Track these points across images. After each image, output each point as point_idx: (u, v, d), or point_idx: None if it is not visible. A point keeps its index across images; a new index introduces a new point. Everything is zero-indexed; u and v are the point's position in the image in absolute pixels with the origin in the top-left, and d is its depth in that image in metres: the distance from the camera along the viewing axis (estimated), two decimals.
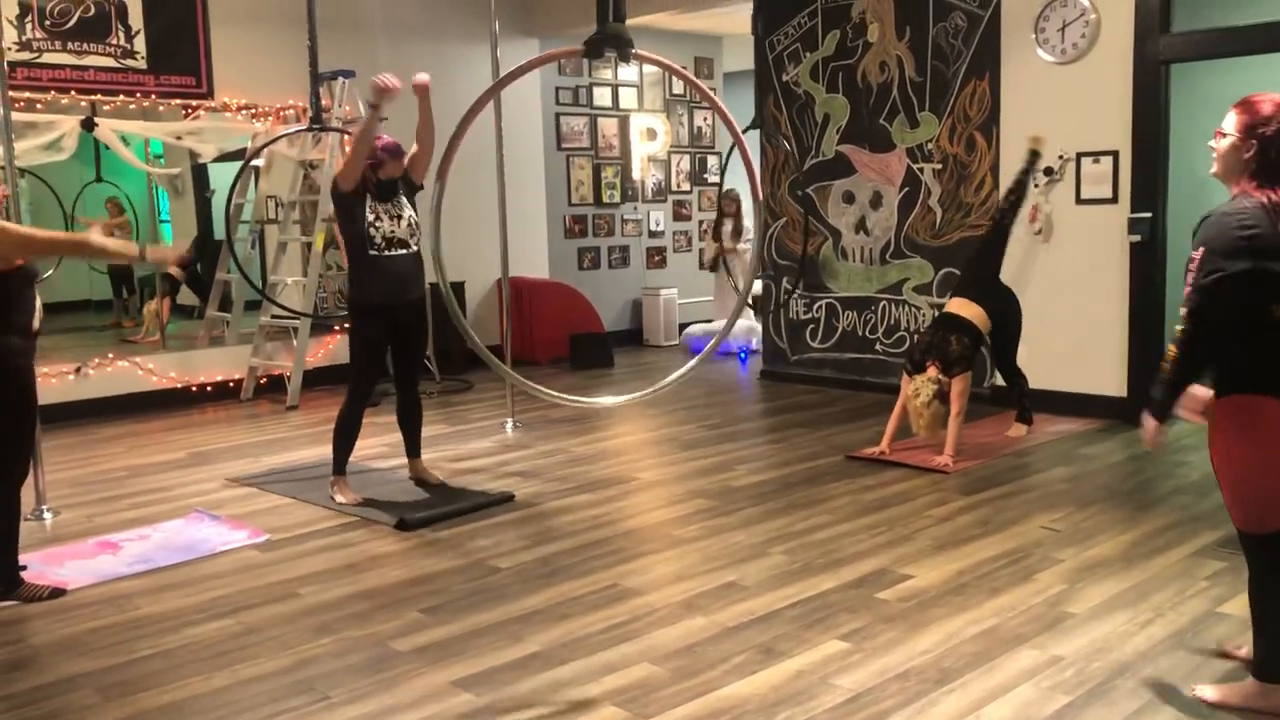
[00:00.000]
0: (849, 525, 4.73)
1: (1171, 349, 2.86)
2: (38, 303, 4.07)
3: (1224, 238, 2.77)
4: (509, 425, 6.95)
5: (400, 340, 5.30)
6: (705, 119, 11.67)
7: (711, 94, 3.27)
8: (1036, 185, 6.86)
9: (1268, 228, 2.74)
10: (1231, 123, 2.89)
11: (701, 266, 10.98)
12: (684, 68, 11.37)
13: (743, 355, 9.70)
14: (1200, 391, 2.91)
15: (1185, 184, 7.49)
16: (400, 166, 5.17)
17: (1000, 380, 6.62)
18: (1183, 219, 6.96)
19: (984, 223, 7.16)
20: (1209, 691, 3.05)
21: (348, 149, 5.22)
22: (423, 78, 5.13)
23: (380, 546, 4.60)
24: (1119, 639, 3.45)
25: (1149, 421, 2.96)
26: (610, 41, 2.99)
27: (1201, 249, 2.80)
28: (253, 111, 8.11)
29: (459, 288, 9.31)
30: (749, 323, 9.68)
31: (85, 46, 7.42)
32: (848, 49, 7.84)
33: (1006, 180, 7.02)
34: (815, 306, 8.28)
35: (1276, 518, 2.86)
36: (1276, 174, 2.81)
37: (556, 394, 3.32)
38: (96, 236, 4.03)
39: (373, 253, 5.08)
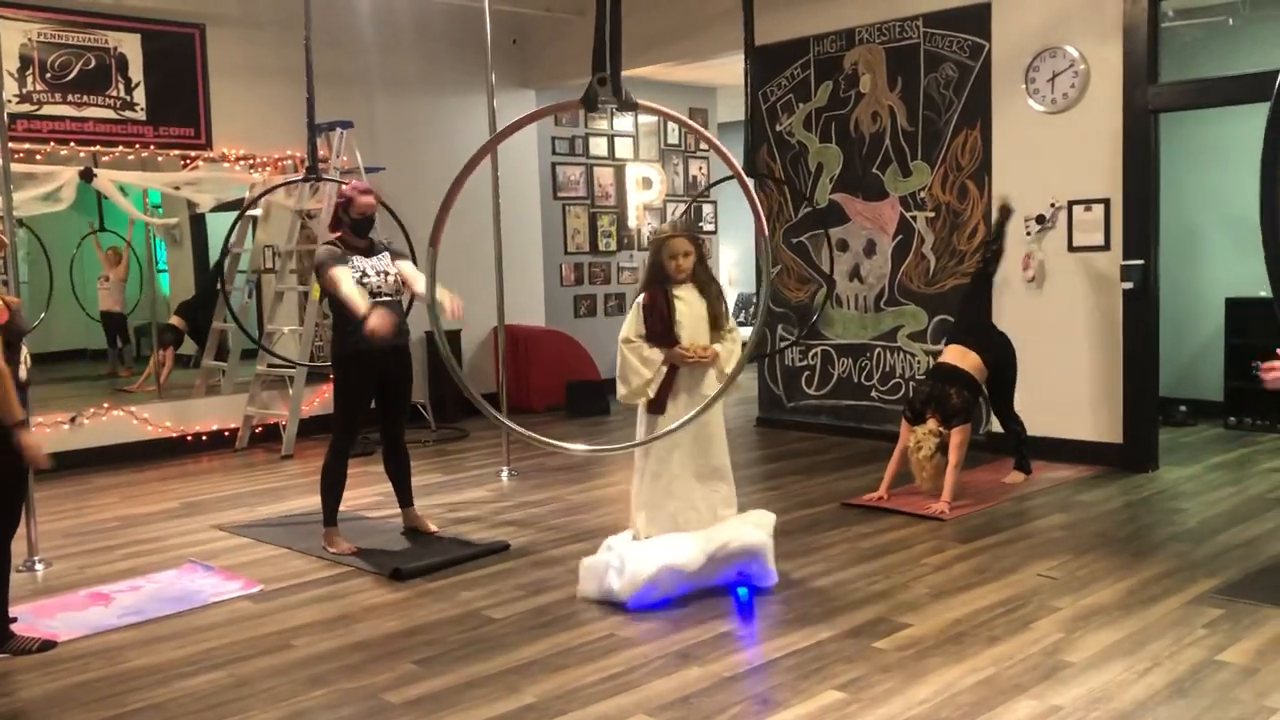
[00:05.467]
0: (845, 573, 4.71)
1: None
2: (25, 353, 4.06)
3: None
4: (504, 473, 6.93)
5: (384, 390, 5.29)
6: (700, 168, 11.77)
7: (710, 135, 3.27)
8: (1029, 234, 6.91)
9: None
10: None
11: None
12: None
13: (749, 592, 4.46)
14: None
15: (1176, 231, 7.56)
16: (372, 203, 5.19)
17: (997, 427, 6.63)
18: (1174, 265, 7.04)
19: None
20: None
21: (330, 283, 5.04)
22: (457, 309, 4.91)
23: (374, 597, 4.57)
24: (1117, 688, 3.42)
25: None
26: (606, 93, 3.01)
27: None
28: (251, 162, 8.18)
29: (455, 335, 9.33)
30: (755, 532, 4.48)
31: (85, 98, 7.49)
32: (840, 99, 7.93)
33: None
34: (811, 353, 8.30)
35: None
36: None
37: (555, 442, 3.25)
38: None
39: None
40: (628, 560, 4.30)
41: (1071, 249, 6.76)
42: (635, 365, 4.43)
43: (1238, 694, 3.34)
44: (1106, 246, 6.60)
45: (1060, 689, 3.43)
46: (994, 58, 7.05)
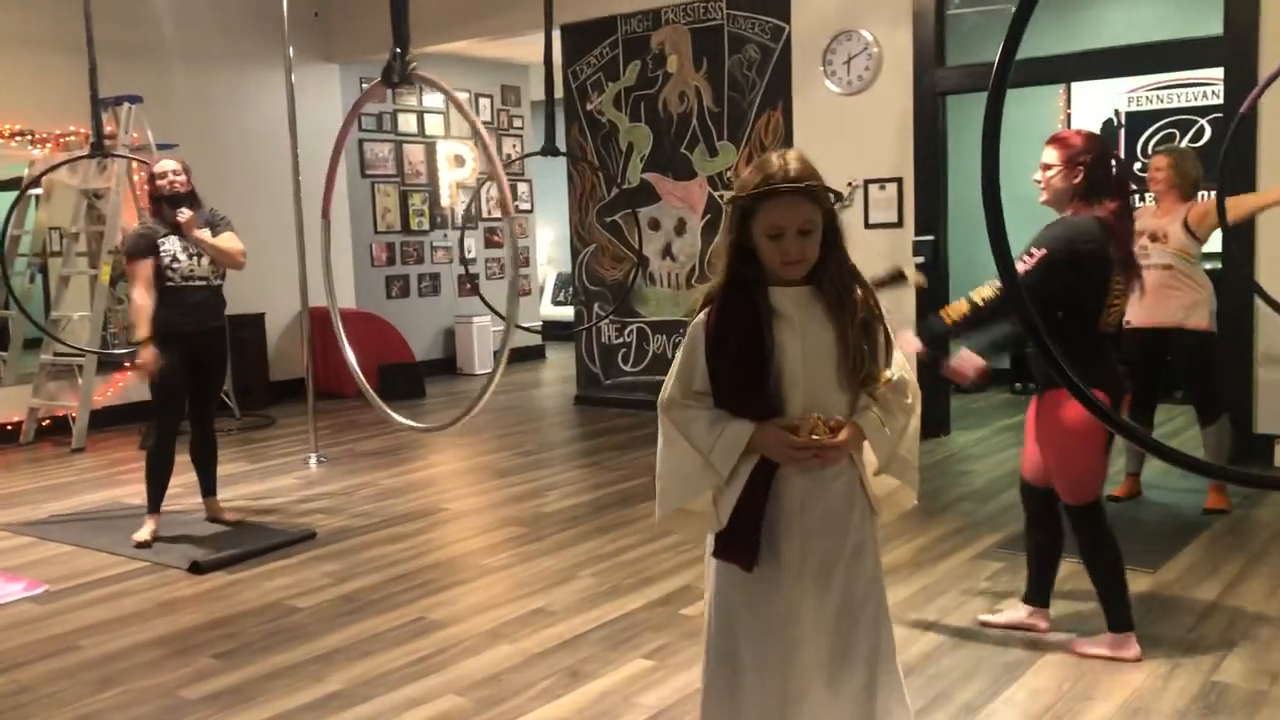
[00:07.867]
0: (657, 545, 4.79)
1: (964, 303, 3.30)
2: None
3: (1066, 247, 3.22)
4: (313, 460, 6.75)
5: (196, 371, 5.10)
6: (514, 145, 11.69)
7: (477, 122, 3.39)
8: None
9: (1101, 241, 3.22)
10: (1054, 156, 3.34)
11: None
12: (489, 95, 11.28)
13: None
14: (975, 359, 3.38)
15: (964, 208, 7.94)
16: (165, 173, 5.00)
17: None
18: (962, 241, 7.42)
19: None
20: (1085, 645, 3.47)
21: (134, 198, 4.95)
22: (181, 215, 4.94)
23: (171, 592, 4.38)
24: (906, 642, 3.60)
25: (913, 342, 3.33)
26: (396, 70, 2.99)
27: (1043, 250, 3.22)
28: (29, 137, 7.65)
29: (259, 319, 9.01)
30: None
31: None
32: (648, 79, 8.01)
33: None
34: (626, 331, 8.39)
35: (1087, 492, 3.35)
36: (1100, 193, 3.28)
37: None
38: None
39: (170, 284, 4.95)
40: None
41: (868, 226, 7.04)
42: (685, 459, 2.15)
43: (1013, 639, 3.58)
44: (900, 223, 6.91)
45: None
46: (794, 40, 7.26)
